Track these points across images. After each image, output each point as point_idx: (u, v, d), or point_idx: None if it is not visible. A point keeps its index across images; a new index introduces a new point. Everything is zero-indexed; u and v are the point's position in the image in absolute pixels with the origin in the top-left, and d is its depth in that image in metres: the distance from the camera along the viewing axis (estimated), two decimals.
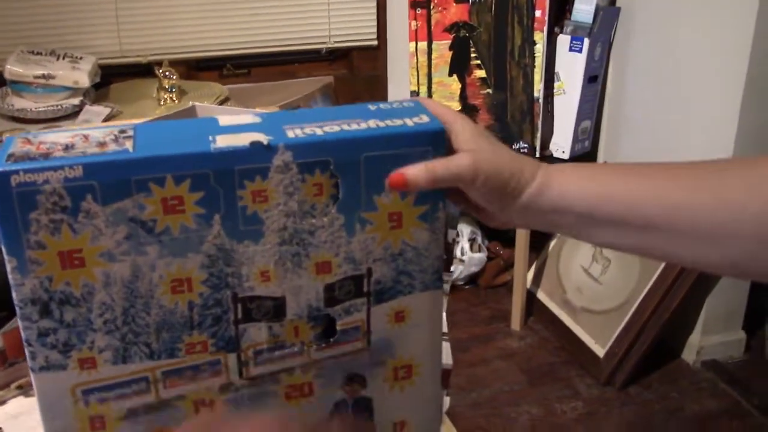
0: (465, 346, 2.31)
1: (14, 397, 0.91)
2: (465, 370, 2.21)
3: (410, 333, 0.59)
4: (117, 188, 0.50)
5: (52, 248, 0.51)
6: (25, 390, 0.91)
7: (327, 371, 0.58)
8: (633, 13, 2.31)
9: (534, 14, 2.17)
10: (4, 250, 0.50)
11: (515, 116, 2.28)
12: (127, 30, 2.45)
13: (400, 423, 0.62)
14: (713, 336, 2.27)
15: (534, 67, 2.22)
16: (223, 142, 0.52)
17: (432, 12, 2.30)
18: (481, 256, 2.55)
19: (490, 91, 2.29)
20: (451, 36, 2.30)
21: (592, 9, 2.21)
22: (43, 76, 2.15)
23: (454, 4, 2.27)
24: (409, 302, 0.59)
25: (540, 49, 2.19)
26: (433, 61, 2.35)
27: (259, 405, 0.58)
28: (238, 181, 0.52)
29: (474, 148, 0.55)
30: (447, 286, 0.60)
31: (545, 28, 2.16)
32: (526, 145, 2.27)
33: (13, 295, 0.51)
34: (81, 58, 2.22)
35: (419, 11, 2.31)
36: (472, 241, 2.55)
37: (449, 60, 2.33)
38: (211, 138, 0.52)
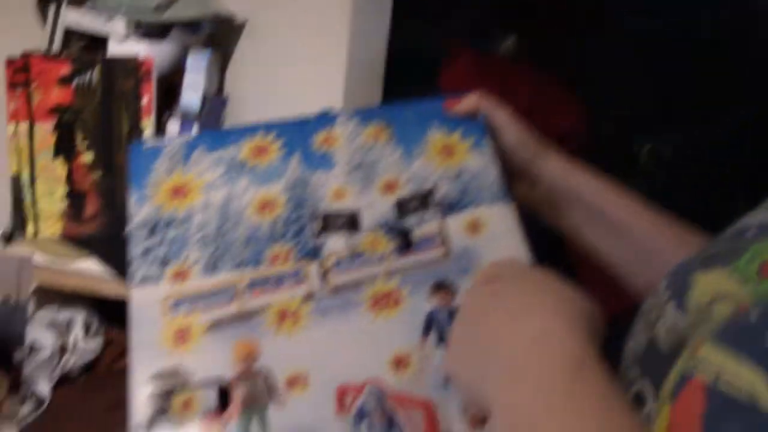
0: None
1: None
2: None
3: (490, 244, 0.62)
4: (219, 141, 0.69)
5: (165, 185, 0.66)
6: None
7: (412, 278, 0.60)
8: (239, 101, 2.30)
9: (141, 101, 2.09)
10: (129, 189, 0.66)
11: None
12: None
13: None
14: None
15: None
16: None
17: (32, 93, 2.15)
18: (97, 343, 2.36)
19: (98, 176, 2.14)
20: (55, 118, 2.13)
21: (199, 97, 2.18)
22: None
23: (57, 86, 2.13)
24: (479, 214, 0.64)
25: (149, 134, 2.09)
26: (35, 145, 2.18)
27: (344, 316, 0.59)
28: (310, 132, 0.69)
29: None
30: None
31: (153, 115, 2.10)
32: None
33: (129, 224, 0.64)
34: None
35: (18, 91, 2.13)
36: (87, 327, 2.38)
37: (53, 143, 2.14)
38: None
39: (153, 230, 0.63)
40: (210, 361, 0.57)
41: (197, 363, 0.57)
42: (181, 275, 0.61)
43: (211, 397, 0.55)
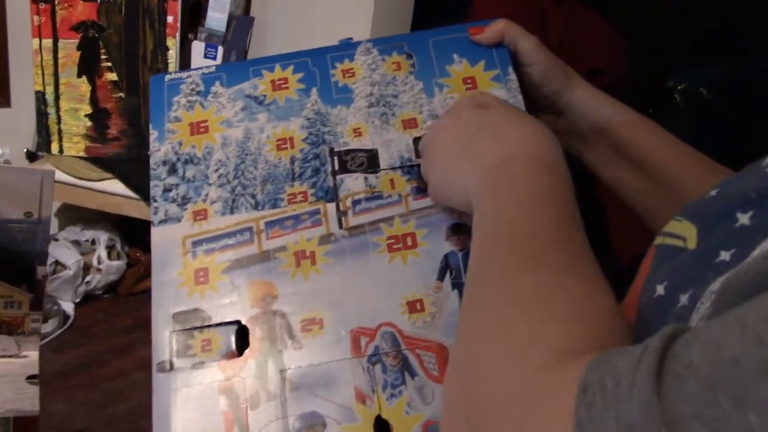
0: (103, 359, 2.03)
1: None
2: (102, 385, 1.91)
3: None
4: (238, 75, 0.68)
5: (185, 120, 0.66)
6: None
7: (428, 221, 0.59)
8: (266, 23, 2.27)
9: (166, 19, 2.06)
10: (150, 125, 0.66)
11: None
12: None
13: None
14: None
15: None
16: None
17: (57, 8, 2.09)
18: (120, 263, 2.31)
19: (122, 95, 2.11)
20: (79, 35, 2.10)
21: (225, 17, 2.15)
22: None
23: (81, 2, 2.07)
24: None
25: (173, 54, 2.07)
26: (59, 61, 2.13)
27: (360, 258, 0.58)
28: (330, 64, 0.67)
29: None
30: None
31: (178, 34, 2.05)
32: None
33: (150, 161, 0.64)
34: None
35: (42, 6, 2.09)
36: (110, 248, 2.34)
37: (77, 60, 2.12)
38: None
39: (173, 168, 0.63)
40: (228, 301, 0.57)
41: (216, 303, 0.58)
42: (201, 214, 0.61)
43: (229, 338, 0.56)
